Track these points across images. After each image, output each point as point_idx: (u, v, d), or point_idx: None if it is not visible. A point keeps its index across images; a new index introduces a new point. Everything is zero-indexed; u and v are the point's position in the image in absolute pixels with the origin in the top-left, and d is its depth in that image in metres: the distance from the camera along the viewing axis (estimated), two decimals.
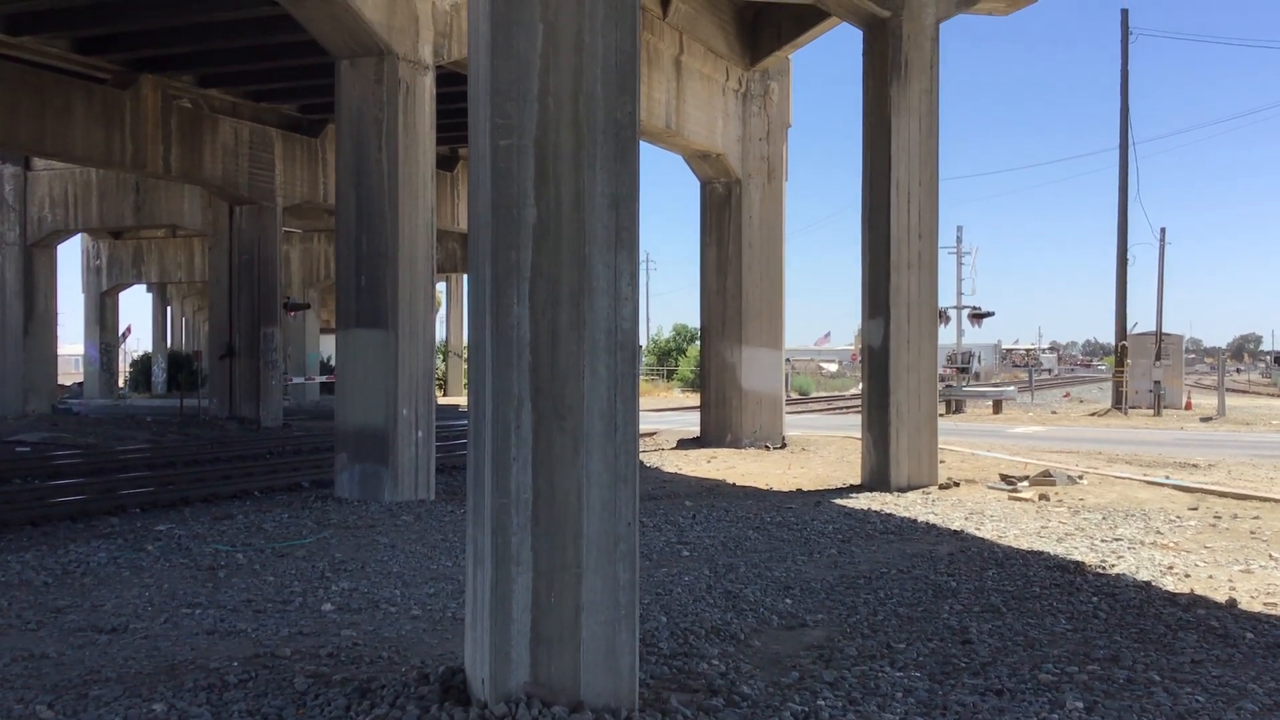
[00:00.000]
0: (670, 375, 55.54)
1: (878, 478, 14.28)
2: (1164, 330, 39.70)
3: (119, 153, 21.57)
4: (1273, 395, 50.37)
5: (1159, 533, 10.45)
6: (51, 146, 21.01)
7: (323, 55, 14.43)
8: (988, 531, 10.52)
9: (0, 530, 10.76)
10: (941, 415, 22.25)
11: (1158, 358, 35.85)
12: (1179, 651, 6.20)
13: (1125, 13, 36.12)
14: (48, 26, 18.68)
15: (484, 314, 4.75)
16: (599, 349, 4.68)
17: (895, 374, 14.39)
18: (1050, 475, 14.06)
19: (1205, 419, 30.84)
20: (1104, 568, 8.69)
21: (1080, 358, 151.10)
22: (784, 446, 20.79)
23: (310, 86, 23.28)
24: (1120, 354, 35.61)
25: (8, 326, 28.22)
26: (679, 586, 7.93)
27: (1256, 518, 11.34)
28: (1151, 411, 32.99)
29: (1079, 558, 9.09)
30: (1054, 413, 34.97)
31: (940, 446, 15.51)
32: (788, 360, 29.23)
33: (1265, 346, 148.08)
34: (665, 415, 30.99)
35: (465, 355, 43.49)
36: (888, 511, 11.90)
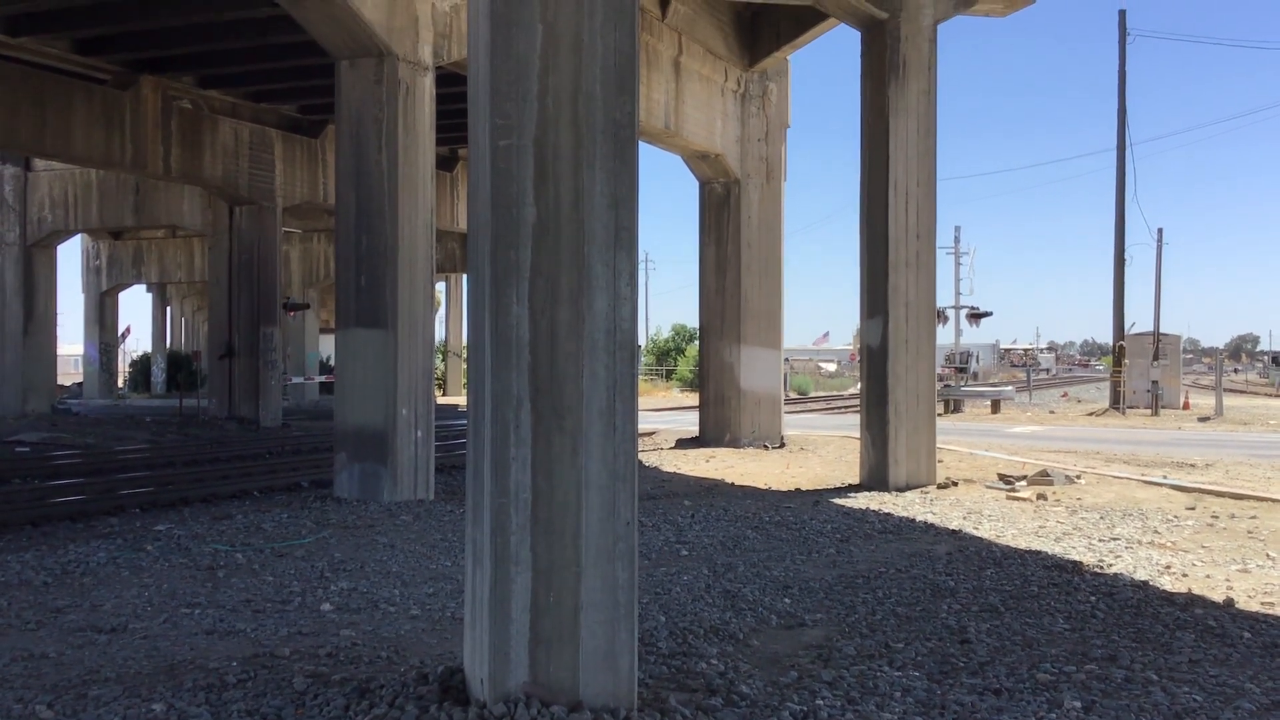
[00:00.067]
0: (669, 375, 55.55)
1: (876, 477, 14.29)
2: (1162, 330, 39.74)
3: (119, 153, 21.57)
4: (1270, 395, 50.39)
5: (1156, 532, 10.46)
6: (51, 147, 21.01)
7: (323, 56, 14.44)
8: (986, 531, 10.54)
9: (0, 530, 10.76)
10: (940, 415, 22.28)
11: (1155, 358, 35.87)
12: (1176, 651, 6.21)
13: (1123, 13, 36.15)
14: (48, 27, 18.67)
15: (483, 314, 4.76)
16: (598, 349, 4.69)
17: (893, 374, 14.40)
18: (1048, 475, 14.08)
19: (1203, 419, 30.86)
20: (1102, 567, 8.70)
21: (1078, 358, 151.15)
22: (782, 446, 20.80)
23: (310, 87, 23.29)
24: (1118, 354, 35.63)
25: (7, 327, 28.22)
26: (678, 586, 7.95)
27: (1254, 517, 11.35)
28: (1149, 411, 33.01)
29: (1077, 557, 9.11)
30: (1052, 412, 34.98)
31: (938, 446, 15.54)
32: (786, 360, 29.28)
33: (1263, 346, 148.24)
34: (664, 415, 31.00)
35: (464, 355, 43.50)
36: (886, 511, 11.92)
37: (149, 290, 47.74)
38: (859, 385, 18.29)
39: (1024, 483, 13.88)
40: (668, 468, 17.33)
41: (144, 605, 7.43)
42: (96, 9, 17.98)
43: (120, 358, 45.47)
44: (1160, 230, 47.67)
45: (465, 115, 5.09)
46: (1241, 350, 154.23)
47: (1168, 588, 7.96)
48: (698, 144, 20.25)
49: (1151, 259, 67.48)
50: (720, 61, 20.69)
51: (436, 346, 38.71)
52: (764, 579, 8.21)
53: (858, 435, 15.47)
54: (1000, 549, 9.52)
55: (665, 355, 58.53)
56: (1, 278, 28.61)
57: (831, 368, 77.56)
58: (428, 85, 13.60)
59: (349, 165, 13.32)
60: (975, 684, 5.55)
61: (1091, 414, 33.82)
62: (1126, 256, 35.72)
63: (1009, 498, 12.93)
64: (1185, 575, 8.44)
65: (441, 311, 48.81)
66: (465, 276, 37.00)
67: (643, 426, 23.25)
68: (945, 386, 34.99)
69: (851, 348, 76.34)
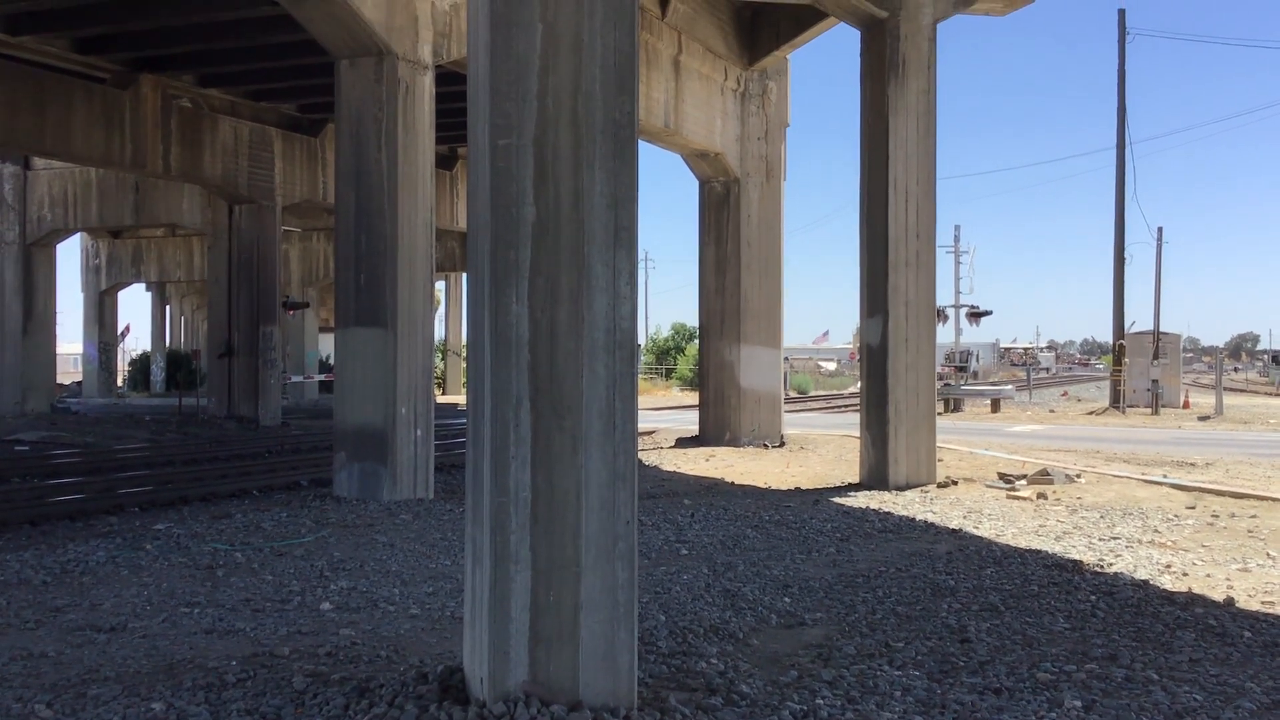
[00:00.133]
0: (669, 374, 55.56)
1: (876, 476, 14.29)
2: (1161, 329, 39.75)
3: (119, 152, 21.57)
4: (1270, 394, 50.38)
5: (1157, 531, 10.46)
6: (51, 146, 21.01)
7: (322, 55, 14.44)
8: (986, 530, 10.53)
9: None
10: (940, 414, 22.28)
11: (1155, 357, 35.88)
12: (1177, 650, 6.21)
13: (1122, 12, 36.12)
14: (47, 26, 18.67)
15: (483, 313, 4.76)
16: (598, 348, 4.68)
17: (893, 373, 14.40)
18: (1048, 474, 14.08)
19: (1203, 418, 30.86)
20: (1102, 566, 8.70)
21: (1078, 356, 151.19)
22: (782, 445, 20.80)
23: (310, 86, 23.28)
24: (1118, 353, 35.63)
25: (6, 326, 28.20)
26: (678, 585, 7.94)
27: (1254, 516, 11.35)
28: (1149, 410, 33.01)
29: (1077, 556, 9.11)
30: (1052, 411, 34.98)
31: (938, 445, 15.53)
32: (786, 359, 29.26)
33: (1263, 345, 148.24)
34: (664, 414, 31.00)
35: (464, 354, 43.50)
36: (886, 510, 11.92)
37: (148, 289, 47.74)
38: (859, 384, 18.29)
39: (1024, 482, 13.88)
40: (667, 467, 17.33)
41: (143, 604, 7.43)
42: (96, 8, 17.98)
43: (119, 357, 45.46)
44: (1160, 229, 47.74)
45: (465, 114, 5.09)
46: (1241, 349, 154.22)
47: (1168, 587, 7.95)
48: (697, 143, 20.24)
49: (1151, 258, 67.50)
50: (720, 60, 20.69)
51: (436, 345, 38.71)
52: (764, 578, 8.21)
53: (857, 434, 15.47)
54: (1000, 548, 9.52)
55: (665, 354, 58.54)
56: (1, 277, 28.60)
57: (831, 367, 77.55)
58: (427, 84, 13.59)
59: (349, 164, 13.31)
60: (975, 683, 5.55)
61: (1091, 413, 33.82)
62: (1126, 255, 35.74)
63: (1009, 497, 12.93)
64: (1185, 574, 8.44)
65: (441, 310, 48.81)
66: (465, 275, 37.02)
67: (642, 425, 23.24)
68: (945, 385, 34.99)
69: (851, 347, 76.36)
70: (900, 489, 13.86)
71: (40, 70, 20.27)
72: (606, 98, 4.69)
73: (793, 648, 6.24)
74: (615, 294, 4.72)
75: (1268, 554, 9.33)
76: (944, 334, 32.06)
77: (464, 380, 42.59)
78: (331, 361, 25.67)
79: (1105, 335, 56.93)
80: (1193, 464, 17.15)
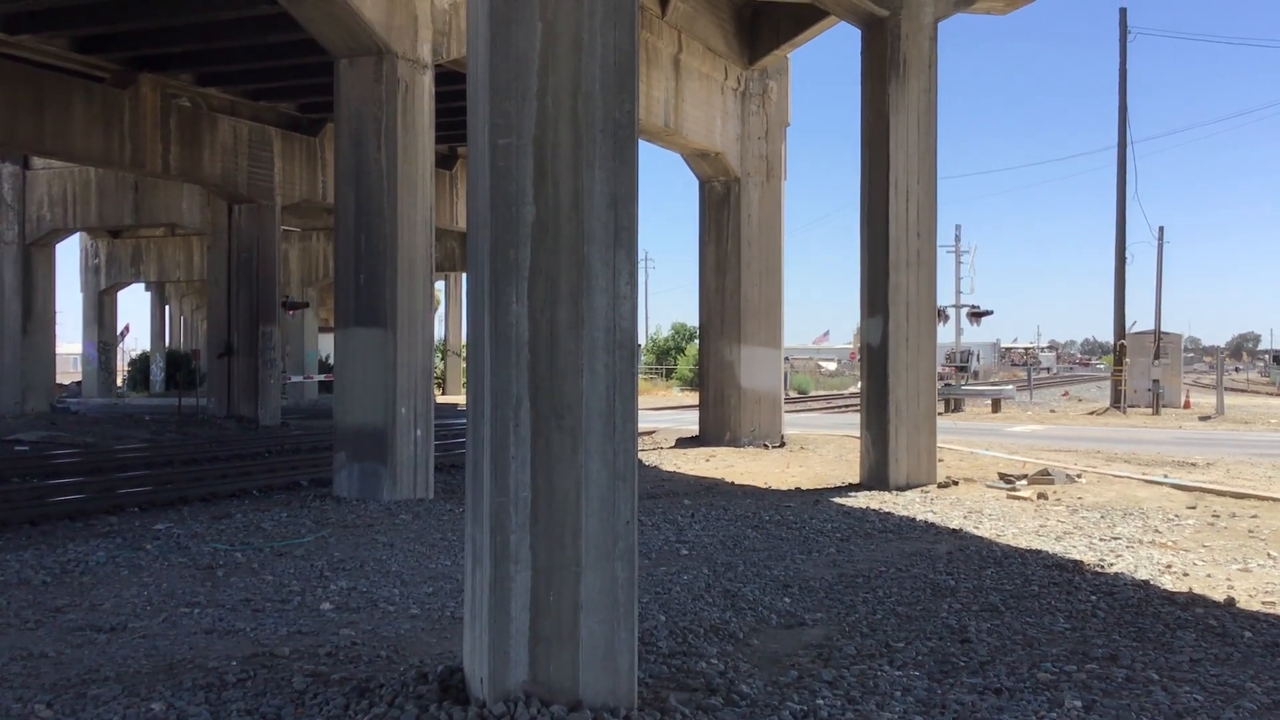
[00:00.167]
0: (669, 374, 55.57)
1: (876, 476, 14.28)
2: (1162, 329, 39.71)
3: (118, 152, 21.56)
4: (1271, 394, 50.38)
5: (1157, 531, 10.45)
6: (51, 145, 21.01)
7: (322, 54, 14.43)
8: (986, 530, 10.53)
9: None
10: (940, 414, 22.26)
11: (1156, 356, 35.86)
12: (1177, 650, 6.20)
13: (1124, 11, 36.14)
14: (47, 25, 18.67)
15: (482, 312, 4.75)
16: (597, 348, 4.68)
17: (894, 372, 14.39)
18: (1049, 474, 14.07)
19: (1204, 418, 30.86)
20: (1102, 566, 8.69)
21: (1079, 356, 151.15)
22: (783, 445, 20.79)
23: (309, 85, 23.28)
24: (1119, 353, 35.63)
25: (6, 325, 28.20)
26: (678, 585, 7.94)
27: (1255, 516, 11.34)
28: (1150, 410, 33.00)
29: (1077, 556, 9.10)
30: (1052, 411, 34.98)
31: (939, 445, 15.53)
32: (786, 359, 29.25)
33: (1264, 345, 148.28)
34: (664, 414, 31.00)
35: (464, 354, 43.50)
36: (886, 510, 11.91)
37: (148, 289, 47.77)
38: (859, 384, 18.28)
39: (1024, 482, 13.87)
40: (667, 467, 17.32)
41: (143, 604, 7.42)
42: (96, 7, 17.97)
43: (119, 356, 45.46)
44: (1161, 229, 47.60)
45: (465, 113, 5.08)
46: (1242, 349, 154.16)
47: (1169, 587, 7.95)
48: (697, 142, 20.24)
49: (1152, 257, 67.47)
50: (720, 59, 20.68)
51: (436, 345, 38.71)
52: (764, 578, 8.20)
53: (858, 434, 15.46)
54: (1001, 548, 9.51)
55: (665, 354, 58.54)
56: (0, 276, 28.60)
57: (832, 367, 77.55)
58: (427, 83, 13.59)
59: (348, 164, 13.31)
60: (976, 683, 5.54)
61: (1092, 413, 33.82)
62: (1127, 255, 35.73)
63: (1009, 497, 12.92)
64: (1186, 574, 8.43)
65: (441, 310, 48.82)
66: (465, 275, 37.05)
67: (642, 425, 23.24)
68: (946, 385, 34.98)
69: (852, 346, 76.34)
70: (900, 489, 13.85)
71: (40, 70, 20.27)
72: (606, 97, 4.69)
73: (793, 648, 6.24)
74: (615, 294, 4.71)
75: (1268, 554, 9.32)
76: (944, 334, 32.04)
77: (464, 380, 42.59)
78: (331, 361, 25.68)
79: (1106, 335, 56.91)
80: (1193, 464, 17.15)
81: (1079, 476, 14.48)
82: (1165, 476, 14.84)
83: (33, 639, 6.49)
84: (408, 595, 7.72)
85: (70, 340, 58.92)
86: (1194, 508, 12.02)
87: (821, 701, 5.17)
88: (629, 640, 4.74)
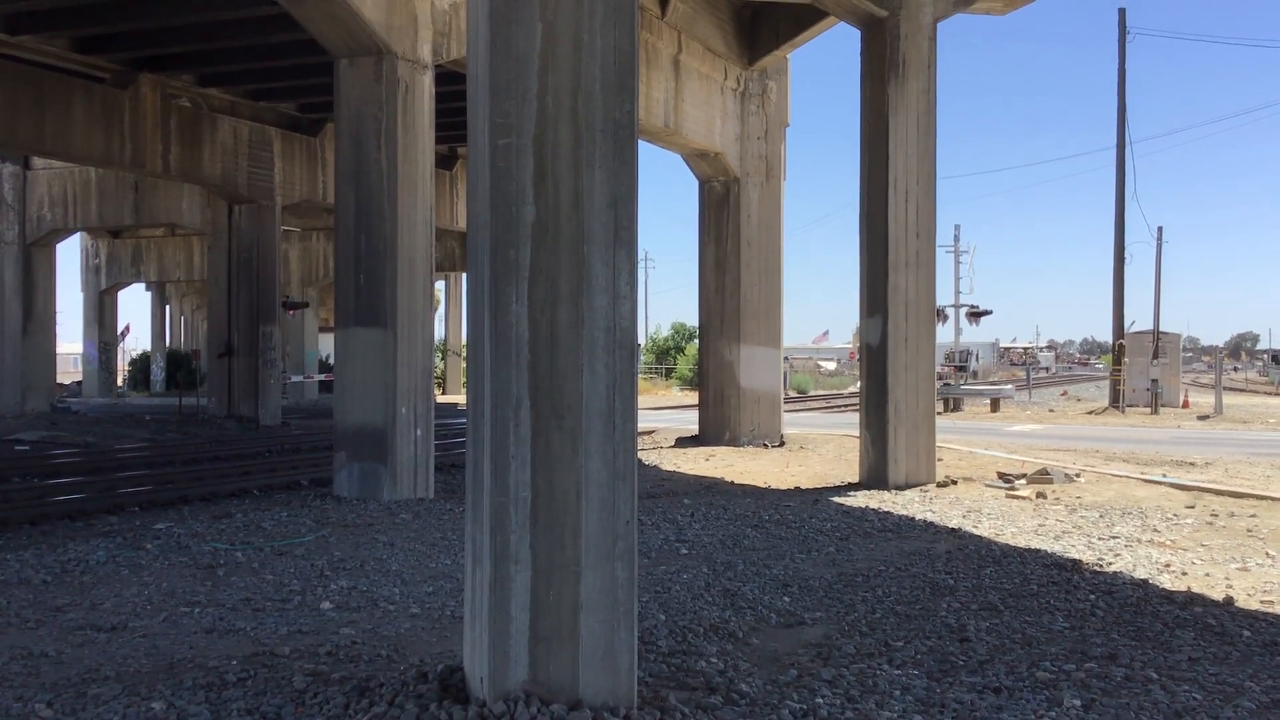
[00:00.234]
0: (669, 373, 55.57)
1: (876, 476, 14.29)
2: (1161, 328, 39.74)
3: (118, 152, 21.57)
4: (1270, 394, 50.37)
5: (1156, 530, 10.46)
6: (51, 146, 21.01)
7: (322, 54, 14.44)
8: (985, 529, 10.54)
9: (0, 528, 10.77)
10: (939, 413, 22.28)
11: (1155, 356, 35.88)
12: (1176, 649, 6.21)
13: (1123, 12, 36.14)
14: (47, 25, 18.67)
15: (483, 312, 4.76)
16: (597, 347, 4.68)
17: (893, 372, 14.40)
18: (1048, 473, 14.08)
19: (1202, 417, 30.87)
20: (1101, 565, 8.70)
21: (1078, 356, 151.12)
22: (782, 445, 20.80)
23: (309, 85, 23.28)
24: (1118, 352, 35.64)
25: (6, 325, 28.21)
26: (677, 584, 7.95)
27: (1253, 516, 11.36)
28: (1149, 410, 33.01)
29: (1076, 555, 9.11)
30: (1051, 411, 34.99)
31: (938, 444, 15.54)
32: (786, 358, 29.27)
33: (1262, 345, 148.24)
34: (663, 413, 31.00)
35: (464, 354, 43.50)
36: (885, 509, 11.92)
37: (148, 289, 47.77)
38: (858, 384, 18.29)
39: (1023, 481, 13.89)
40: (667, 466, 17.33)
41: (143, 604, 7.43)
42: (96, 7, 17.98)
43: (119, 356, 45.45)
44: (1160, 229, 47.71)
45: (465, 114, 5.09)
46: (1241, 348, 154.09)
47: (1167, 586, 7.96)
48: (697, 142, 20.24)
49: (1151, 257, 67.48)
50: (720, 60, 20.69)
51: (436, 345, 38.71)
52: (763, 577, 8.21)
53: (857, 434, 15.47)
54: (1000, 547, 9.52)
55: (665, 354, 58.54)
56: (0, 276, 28.61)
57: (831, 366, 77.54)
58: (427, 83, 13.60)
59: (348, 164, 13.31)
60: (975, 682, 5.55)
61: (1091, 412, 33.83)
62: (1126, 255, 35.74)
63: (1008, 496, 12.94)
64: (1185, 573, 8.44)
65: (441, 310, 48.82)
66: (465, 275, 37.04)
67: (642, 425, 23.24)
68: (945, 385, 34.99)
69: (851, 346, 76.35)
70: (900, 488, 13.87)
71: (40, 70, 20.27)
72: (606, 97, 4.69)
73: (792, 647, 6.25)
74: (615, 293, 4.72)
75: (1267, 553, 9.34)
76: (944, 334, 32.07)
77: (464, 380, 42.59)
78: (331, 361, 25.69)
79: (1105, 335, 56.93)
80: (1192, 463, 17.16)
81: (1078, 476, 14.49)
82: (1164, 476, 14.85)
83: (33, 638, 6.50)
84: (408, 594, 7.73)
85: (71, 340, 58.93)
86: (1192, 507, 12.03)
87: (821, 700, 5.18)
88: (629, 639, 4.75)
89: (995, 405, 34.88)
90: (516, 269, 4.66)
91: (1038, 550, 9.37)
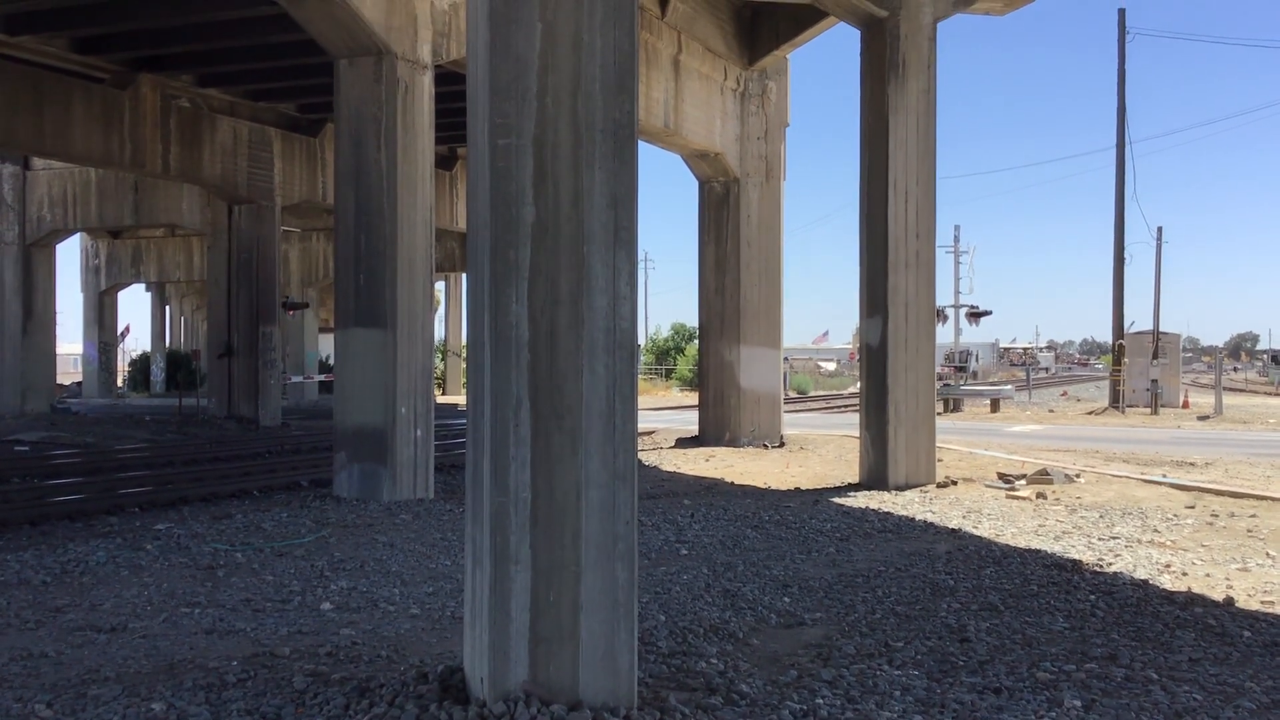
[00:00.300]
0: (669, 374, 55.57)
1: (876, 476, 14.29)
2: (1161, 329, 39.74)
3: (118, 152, 21.56)
4: (1270, 394, 50.38)
5: (1156, 531, 10.46)
6: (50, 146, 21.01)
7: (321, 55, 14.44)
8: (985, 530, 10.53)
9: None
10: (939, 414, 22.29)
11: (1155, 356, 35.88)
12: (1176, 650, 6.21)
13: (1122, 12, 36.14)
14: (46, 26, 18.67)
15: (482, 313, 4.76)
16: (597, 348, 4.68)
17: (893, 373, 14.40)
18: (1048, 474, 14.08)
19: (1202, 417, 30.87)
20: (1101, 566, 8.70)
21: (1078, 356, 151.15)
22: (782, 445, 20.80)
23: (309, 86, 23.28)
24: (1117, 353, 35.64)
25: (6, 326, 28.21)
26: (677, 585, 7.94)
27: (1254, 516, 11.35)
28: (1149, 410, 33.01)
29: (1076, 556, 9.11)
30: (1051, 411, 34.98)
31: (938, 445, 15.54)
32: (786, 359, 29.28)
33: (1262, 345, 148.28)
34: (663, 414, 31.00)
35: (464, 354, 43.50)
36: (885, 510, 11.92)
37: (148, 289, 47.76)
38: (858, 384, 18.29)
39: (1023, 481, 13.88)
40: (667, 467, 17.33)
41: (143, 604, 7.43)
42: (95, 8, 17.98)
43: (119, 357, 45.45)
44: (1160, 229, 47.66)
45: (464, 114, 5.09)
46: (1241, 349, 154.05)
47: (1167, 586, 7.96)
48: (697, 143, 20.24)
49: (1151, 258, 67.46)
50: (720, 60, 20.69)
51: (436, 346, 38.71)
52: (764, 578, 8.21)
53: (857, 434, 15.47)
54: (1000, 548, 9.52)
55: (665, 354, 58.54)
56: (0, 277, 28.60)
57: (831, 367, 77.54)
58: (427, 84, 13.60)
59: (348, 164, 13.31)
60: (975, 683, 5.55)
61: (1091, 413, 33.83)
62: (1126, 255, 35.74)
63: (1008, 496, 12.93)
64: (1185, 574, 8.44)
65: (441, 311, 48.81)
66: (465, 276, 37.02)
67: (642, 426, 23.24)
68: (945, 385, 34.99)
69: (851, 347, 76.35)
70: (900, 489, 13.86)
71: (39, 70, 20.27)
72: (606, 97, 4.69)
73: (792, 647, 6.25)
74: (615, 294, 4.72)
75: (1267, 553, 9.33)
76: (943, 334, 32.08)
77: (464, 381, 42.59)
78: (331, 362, 25.69)
79: (1105, 335, 56.93)
80: (1192, 464, 17.16)
81: (1078, 476, 14.49)
82: (1164, 476, 14.85)
83: (33, 639, 6.50)
84: (408, 595, 7.73)
85: (71, 341, 58.97)
86: (1193, 507, 12.02)
87: (821, 701, 5.18)
88: (629, 640, 4.75)
89: (995, 406, 34.88)
90: (516, 269, 4.66)
91: (1038, 551, 9.37)
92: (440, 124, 14.74)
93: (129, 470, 15.96)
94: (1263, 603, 7.47)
